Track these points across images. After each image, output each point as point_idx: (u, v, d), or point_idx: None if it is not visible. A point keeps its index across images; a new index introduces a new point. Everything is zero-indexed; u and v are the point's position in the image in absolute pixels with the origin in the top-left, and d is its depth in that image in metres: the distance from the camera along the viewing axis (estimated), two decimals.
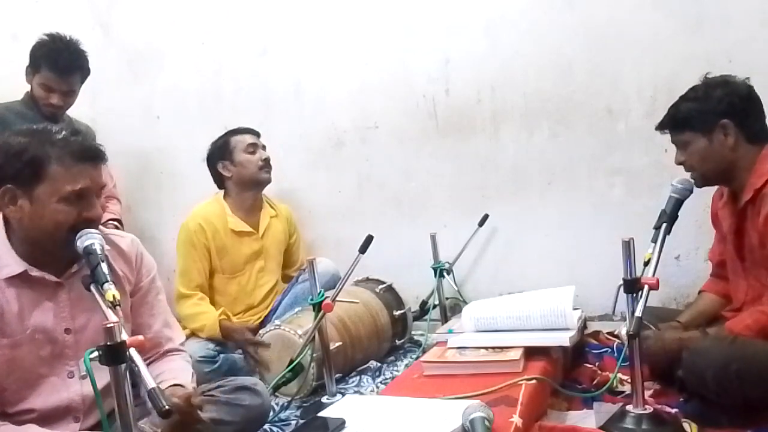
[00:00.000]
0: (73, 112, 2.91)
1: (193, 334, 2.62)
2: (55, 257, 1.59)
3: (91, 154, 1.56)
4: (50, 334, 1.57)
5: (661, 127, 2.02)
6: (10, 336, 1.53)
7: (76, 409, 1.60)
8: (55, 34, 2.71)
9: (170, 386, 1.59)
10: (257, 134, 2.89)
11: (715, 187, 2.10)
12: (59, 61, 2.68)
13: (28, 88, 2.76)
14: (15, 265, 1.55)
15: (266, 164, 2.84)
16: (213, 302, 2.73)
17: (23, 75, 2.75)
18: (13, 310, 1.54)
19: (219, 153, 2.83)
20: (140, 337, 1.30)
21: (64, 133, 1.55)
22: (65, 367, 1.60)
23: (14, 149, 1.51)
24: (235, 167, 2.80)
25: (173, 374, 1.66)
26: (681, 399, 1.88)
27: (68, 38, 2.72)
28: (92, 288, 1.39)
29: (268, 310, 2.80)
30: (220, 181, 2.86)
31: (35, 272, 1.56)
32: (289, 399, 2.21)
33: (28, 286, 1.57)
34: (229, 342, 2.60)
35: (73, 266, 1.60)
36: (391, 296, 2.78)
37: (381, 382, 2.38)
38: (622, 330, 1.79)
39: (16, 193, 1.52)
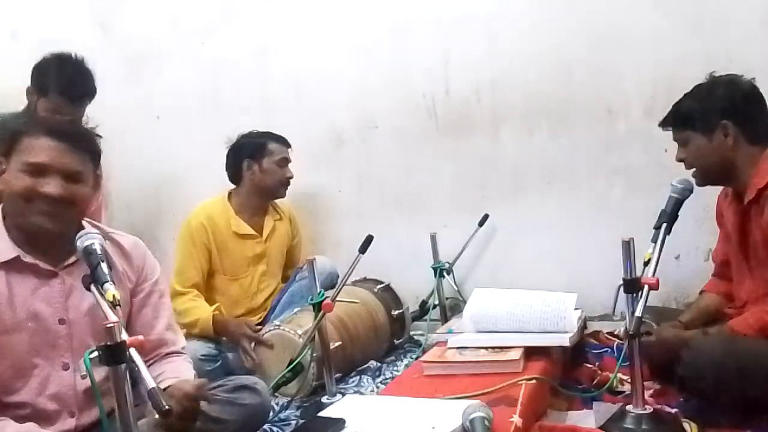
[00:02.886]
0: None
1: (189, 333, 2.61)
2: (50, 245, 1.59)
3: (61, 133, 1.58)
4: (43, 323, 1.57)
5: (664, 124, 2.02)
6: (0, 322, 1.53)
7: (69, 403, 1.59)
8: (63, 55, 2.50)
9: (170, 384, 1.58)
10: (290, 147, 2.88)
11: (717, 187, 2.09)
12: (72, 89, 2.46)
13: (26, 87, 2.59)
14: (7, 250, 1.57)
15: (288, 182, 2.84)
16: (213, 302, 2.70)
17: (22, 73, 2.61)
18: (3, 295, 1.54)
19: (250, 151, 2.78)
20: (140, 337, 1.30)
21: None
22: (60, 359, 1.59)
23: (7, 125, 1.57)
24: (261, 173, 2.77)
25: (174, 373, 1.65)
26: (681, 398, 1.88)
27: (76, 58, 2.51)
28: (92, 288, 1.38)
29: (267, 311, 2.79)
30: (236, 175, 2.82)
31: (28, 259, 1.57)
32: (289, 399, 2.21)
33: (20, 272, 1.57)
34: (224, 339, 2.57)
35: (71, 257, 1.61)
36: (389, 296, 2.78)
37: (381, 382, 2.38)
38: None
39: (1, 161, 1.58)
